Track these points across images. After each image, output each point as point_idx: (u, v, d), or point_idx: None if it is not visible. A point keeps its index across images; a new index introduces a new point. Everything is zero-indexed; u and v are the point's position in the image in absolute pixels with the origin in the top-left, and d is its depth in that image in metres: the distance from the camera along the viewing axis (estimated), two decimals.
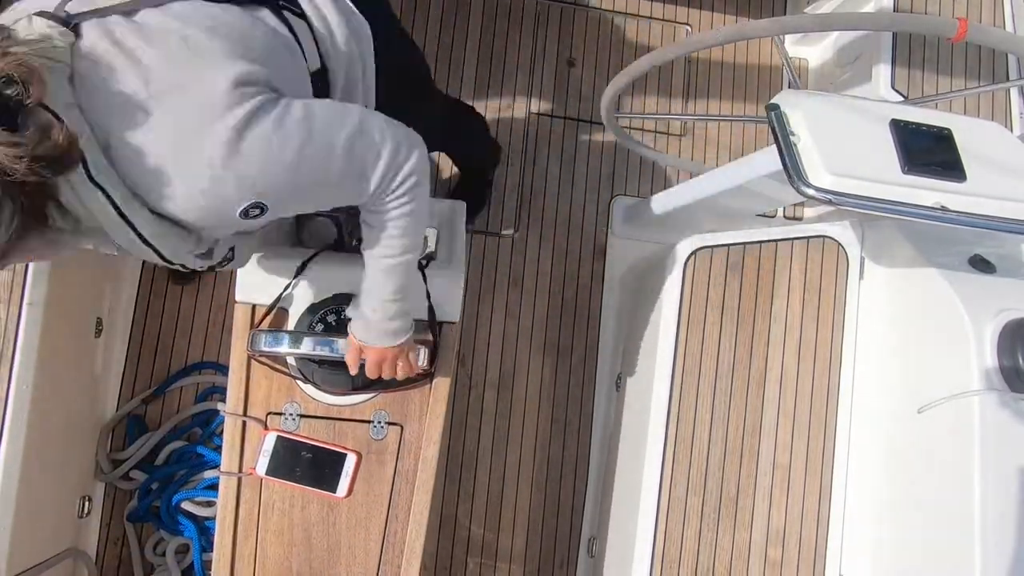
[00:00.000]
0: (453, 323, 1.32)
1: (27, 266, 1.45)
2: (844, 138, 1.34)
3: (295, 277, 1.27)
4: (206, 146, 0.79)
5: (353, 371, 1.13)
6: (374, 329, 1.08)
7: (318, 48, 1.01)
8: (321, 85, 1.03)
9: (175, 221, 0.86)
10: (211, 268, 1.03)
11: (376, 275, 1.04)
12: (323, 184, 0.91)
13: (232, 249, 1.05)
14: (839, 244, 1.73)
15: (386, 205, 0.97)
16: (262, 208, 0.86)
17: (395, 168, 0.94)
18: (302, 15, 1.00)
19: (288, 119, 0.85)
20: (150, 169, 0.79)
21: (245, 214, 0.86)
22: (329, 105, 0.93)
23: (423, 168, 0.97)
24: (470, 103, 2.25)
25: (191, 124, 0.79)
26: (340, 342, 1.16)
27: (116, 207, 0.79)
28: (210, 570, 1.28)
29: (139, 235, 0.84)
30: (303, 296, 1.28)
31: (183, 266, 0.96)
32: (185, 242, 0.90)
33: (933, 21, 1.17)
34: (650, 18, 2.41)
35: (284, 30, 0.96)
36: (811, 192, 1.25)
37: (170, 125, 0.78)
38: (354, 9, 1.12)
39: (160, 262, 0.92)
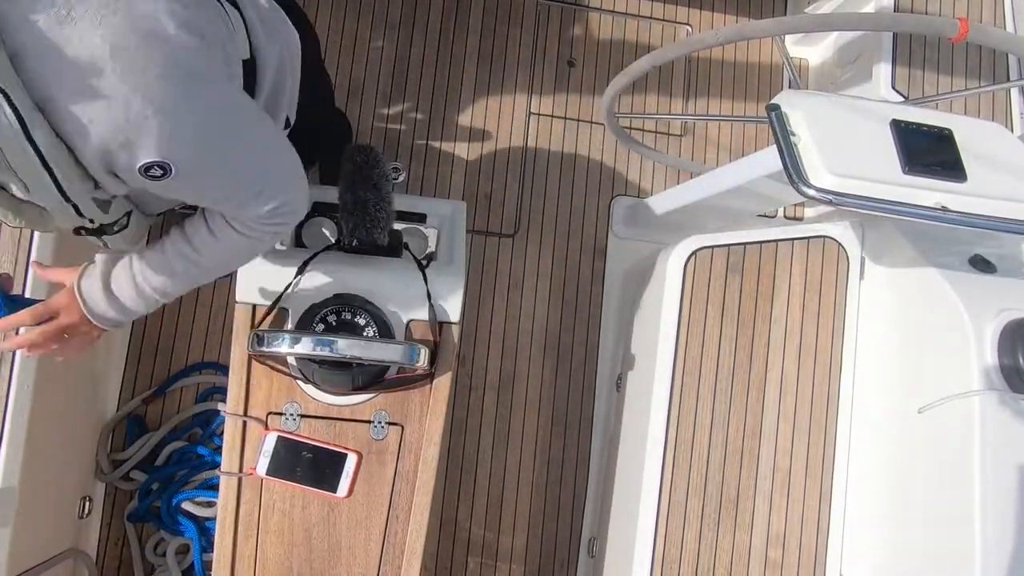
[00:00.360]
0: (453, 324, 1.32)
1: (27, 267, 1.45)
2: (844, 138, 1.34)
3: (295, 277, 1.27)
4: (143, 80, 0.73)
5: (28, 323, 1.02)
6: (109, 300, 1.01)
7: (249, 39, 1.00)
8: (250, 75, 1.01)
9: (72, 153, 0.77)
10: (102, 231, 0.95)
11: (171, 264, 1.01)
12: (227, 182, 0.90)
13: (129, 215, 0.98)
14: (839, 244, 1.73)
15: (251, 228, 0.98)
16: (166, 170, 0.79)
17: (274, 215, 0.96)
18: (235, 4, 0.98)
19: (243, 106, 0.88)
20: (67, 80, 0.71)
21: (145, 171, 0.78)
22: (275, 128, 0.96)
23: (288, 225, 1.01)
24: (469, 104, 2.26)
25: (131, 47, 0.72)
26: (340, 342, 1.16)
27: (16, 111, 0.70)
28: (211, 570, 1.28)
29: (36, 151, 0.73)
30: (303, 296, 1.28)
31: (80, 214, 0.86)
32: (83, 180, 0.81)
33: (934, 21, 1.17)
34: (650, 18, 2.41)
35: (223, 9, 0.94)
36: (811, 192, 1.25)
37: (104, 42, 0.71)
38: (287, 19, 1.15)
39: (59, 209, 0.83)
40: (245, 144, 0.88)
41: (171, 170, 0.79)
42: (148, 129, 0.74)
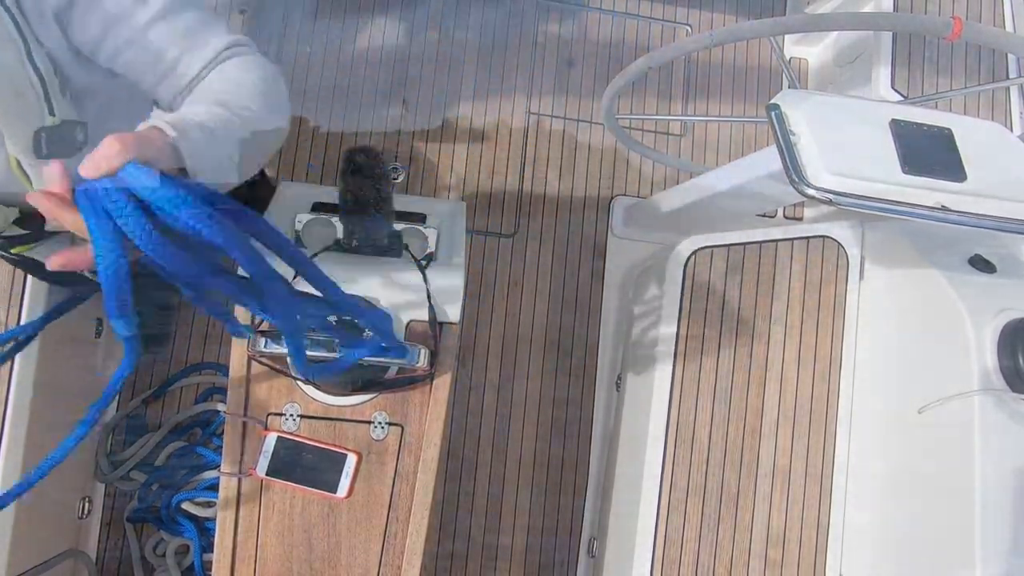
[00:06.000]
0: (453, 324, 1.32)
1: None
2: (844, 138, 1.34)
3: (295, 277, 1.27)
4: None
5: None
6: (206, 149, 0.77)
7: None
8: None
9: None
10: (60, 136, 0.90)
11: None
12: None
13: (84, 130, 0.93)
14: (839, 244, 1.73)
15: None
16: None
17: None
18: None
19: None
20: None
21: None
22: None
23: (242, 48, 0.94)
24: (469, 104, 2.26)
25: None
26: (340, 343, 1.15)
27: None
28: (210, 571, 1.28)
29: None
30: None
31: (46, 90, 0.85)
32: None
33: (927, 20, 1.18)
34: (650, 18, 2.41)
35: None
36: (811, 192, 1.25)
37: None
38: None
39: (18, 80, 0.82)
40: None
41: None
42: None
